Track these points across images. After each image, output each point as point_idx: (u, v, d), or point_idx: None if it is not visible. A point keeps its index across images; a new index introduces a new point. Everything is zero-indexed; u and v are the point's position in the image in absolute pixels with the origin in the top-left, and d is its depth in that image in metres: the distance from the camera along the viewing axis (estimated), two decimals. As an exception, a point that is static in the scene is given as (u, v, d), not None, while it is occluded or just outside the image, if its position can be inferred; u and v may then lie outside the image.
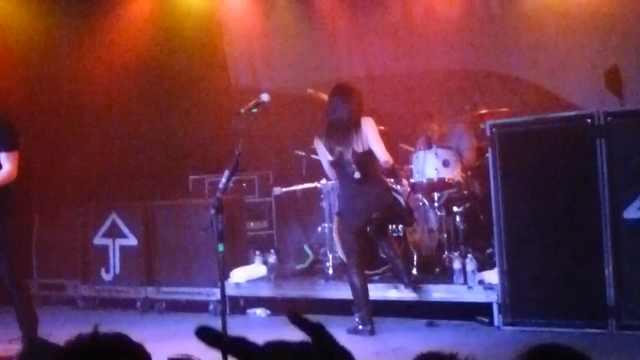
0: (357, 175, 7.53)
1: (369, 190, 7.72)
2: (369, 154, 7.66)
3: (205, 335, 1.55)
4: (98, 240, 10.39)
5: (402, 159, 9.44)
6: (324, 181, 9.66)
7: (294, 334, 1.67)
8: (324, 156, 7.84)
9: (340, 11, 12.00)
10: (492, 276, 7.95)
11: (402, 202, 8.40)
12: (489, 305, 7.86)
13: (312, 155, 10.05)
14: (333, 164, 7.76)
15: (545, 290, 7.48)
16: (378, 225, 7.89)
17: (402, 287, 8.25)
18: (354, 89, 8.01)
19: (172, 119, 12.51)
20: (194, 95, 12.41)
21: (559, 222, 7.44)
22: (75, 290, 10.52)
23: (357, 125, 7.63)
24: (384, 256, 8.38)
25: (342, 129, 7.64)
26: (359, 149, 7.59)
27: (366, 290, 7.82)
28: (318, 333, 1.53)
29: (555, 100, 10.41)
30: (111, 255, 10.28)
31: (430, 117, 9.84)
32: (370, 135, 7.66)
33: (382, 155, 7.72)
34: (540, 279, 7.50)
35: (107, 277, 10.32)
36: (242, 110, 7.15)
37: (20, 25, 11.58)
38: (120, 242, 10.22)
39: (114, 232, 10.27)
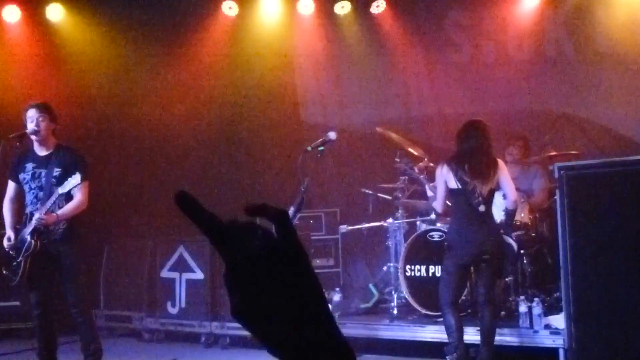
0: (482, 208, 7.42)
1: (485, 225, 7.55)
2: (492, 194, 7.59)
3: (185, 202, 1.49)
4: (165, 273, 10.50)
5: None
6: (390, 220, 9.64)
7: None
8: (447, 183, 7.61)
9: (411, 50, 12.00)
10: (559, 320, 7.79)
11: (515, 249, 8.36)
12: (554, 351, 7.71)
13: (379, 194, 10.06)
14: (456, 192, 7.57)
15: (614, 336, 7.26)
16: (484, 266, 7.66)
17: (465, 329, 8.08)
18: (489, 127, 7.80)
19: (240, 154, 12.61)
20: (264, 131, 12.48)
21: (628, 266, 7.23)
22: (141, 322, 10.62)
23: (495, 164, 7.58)
24: (479, 300, 7.85)
25: (481, 163, 7.53)
26: (489, 186, 7.50)
27: (462, 329, 7.53)
28: (280, 221, 1.47)
29: (626, 143, 10.27)
30: (177, 288, 10.35)
31: (518, 138, 9.67)
32: (506, 176, 7.64)
33: (514, 195, 7.77)
34: (608, 325, 7.27)
35: (173, 310, 10.39)
36: (309, 148, 7.22)
37: (97, 57, 11.86)
38: (187, 275, 10.29)
39: (181, 266, 10.35)
